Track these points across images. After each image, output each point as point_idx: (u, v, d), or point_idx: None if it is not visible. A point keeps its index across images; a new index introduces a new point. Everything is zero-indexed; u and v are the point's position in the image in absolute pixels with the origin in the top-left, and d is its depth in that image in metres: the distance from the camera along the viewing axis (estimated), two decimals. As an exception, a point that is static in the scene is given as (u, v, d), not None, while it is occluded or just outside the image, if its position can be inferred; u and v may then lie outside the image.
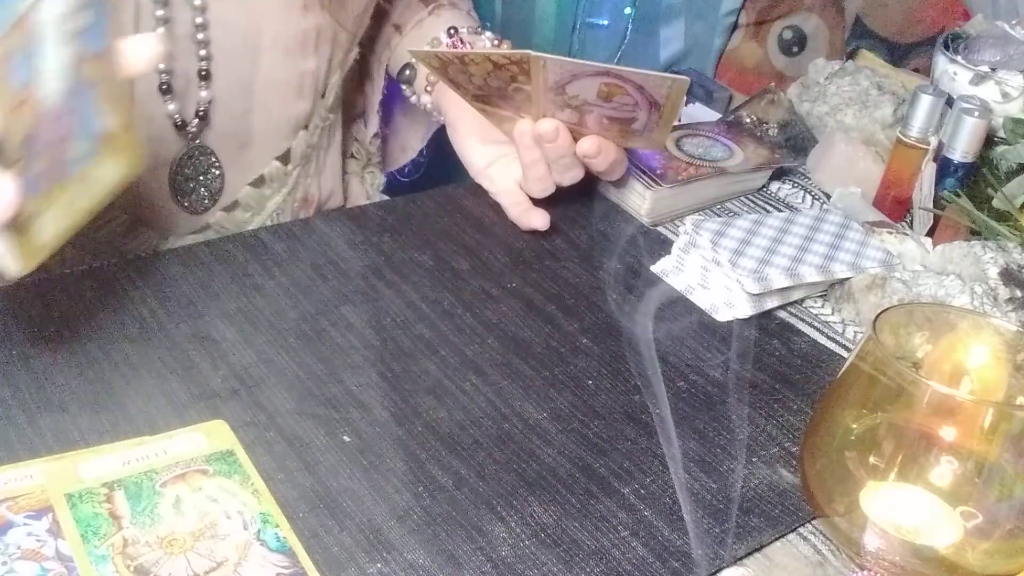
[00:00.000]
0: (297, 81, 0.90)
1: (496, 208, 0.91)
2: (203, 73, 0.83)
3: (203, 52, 0.82)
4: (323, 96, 0.94)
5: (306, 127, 0.93)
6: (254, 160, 0.91)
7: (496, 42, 0.96)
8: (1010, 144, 0.95)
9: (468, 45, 0.94)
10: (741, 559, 0.60)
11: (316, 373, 0.70)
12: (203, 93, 0.84)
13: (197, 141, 0.86)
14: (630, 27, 1.50)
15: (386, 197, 1.13)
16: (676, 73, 1.56)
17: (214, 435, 0.62)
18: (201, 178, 0.87)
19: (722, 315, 0.81)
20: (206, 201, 0.89)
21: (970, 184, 0.93)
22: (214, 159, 0.88)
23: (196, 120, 0.84)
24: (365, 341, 0.73)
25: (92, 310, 0.72)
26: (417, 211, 0.91)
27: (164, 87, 0.81)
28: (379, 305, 0.77)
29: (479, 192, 0.93)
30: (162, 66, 0.81)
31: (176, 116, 0.83)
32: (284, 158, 0.92)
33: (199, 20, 0.81)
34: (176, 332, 0.72)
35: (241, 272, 0.79)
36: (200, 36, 0.81)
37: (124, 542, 0.54)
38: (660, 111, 0.81)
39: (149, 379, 0.67)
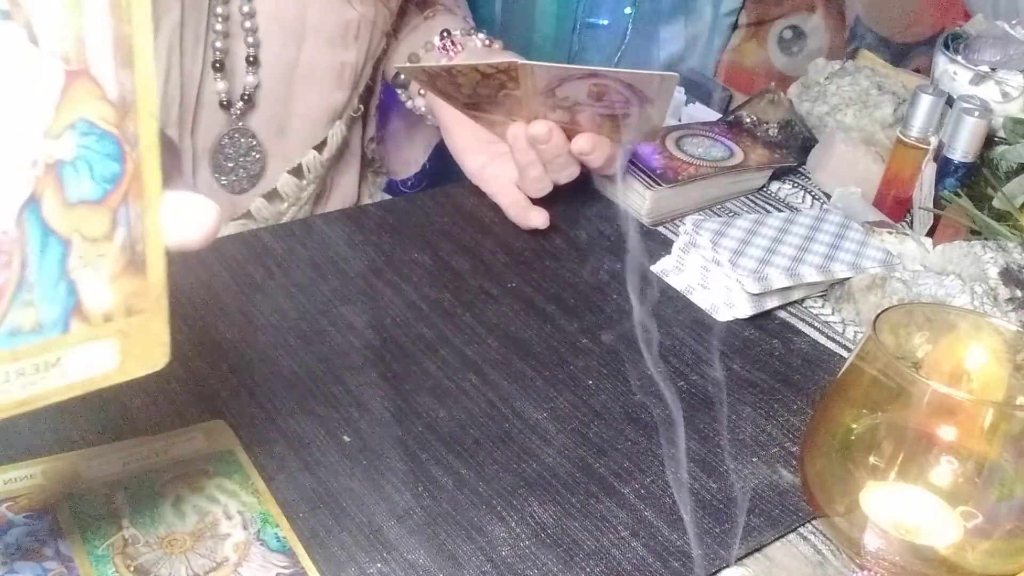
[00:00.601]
0: (337, 71, 0.92)
1: (495, 208, 0.91)
2: (251, 59, 0.86)
3: (251, 39, 0.85)
4: (356, 87, 0.95)
5: (341, 117, 0.95)
6: (291, 148, 0.93)
7: (488, 42, 0.96)
8: (1010, 144, 0.95)
9: (460, 46, 0.95)
10: (741, 559, 0.60)
11: (316, 373, 0.70)
12: (250, 78, 0.87)
13: (240, 124, 0.89)
14: (630, 27, 1.50)
15: (387, 196, 1.13)
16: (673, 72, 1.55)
17: (214, 435, 0.62)
18: (241, 159, 0.90)
19: (722, 315, 0.81)
20: (244, 183, 0.92)
21: (970, 184, 0.93)
22: (255, 142, 0.91)
23: (241, 103, 0.88)
24: (365, 341, 0.73)
25: (92, 310, 0.72)
26: (417, 211, 0.91)
27: (217, 65, 0.84)
28: (379, 305, 0.77)
29: (479, 192, 0.93)
30: (219, 44, 0.84)
31: (223, 95, 0.86)
32: (320, 148, 0.94)
33: (246, 8, 0.83)
34: (176, 332, 0.71)
35: (241, 272, 0.79)
36: (248, 24, 0.85)
37: (124, 542, 0.54)
38: (653, 105, 0.81)
39: (149, 379, 0.67)
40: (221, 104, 0.86)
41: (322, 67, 0.91)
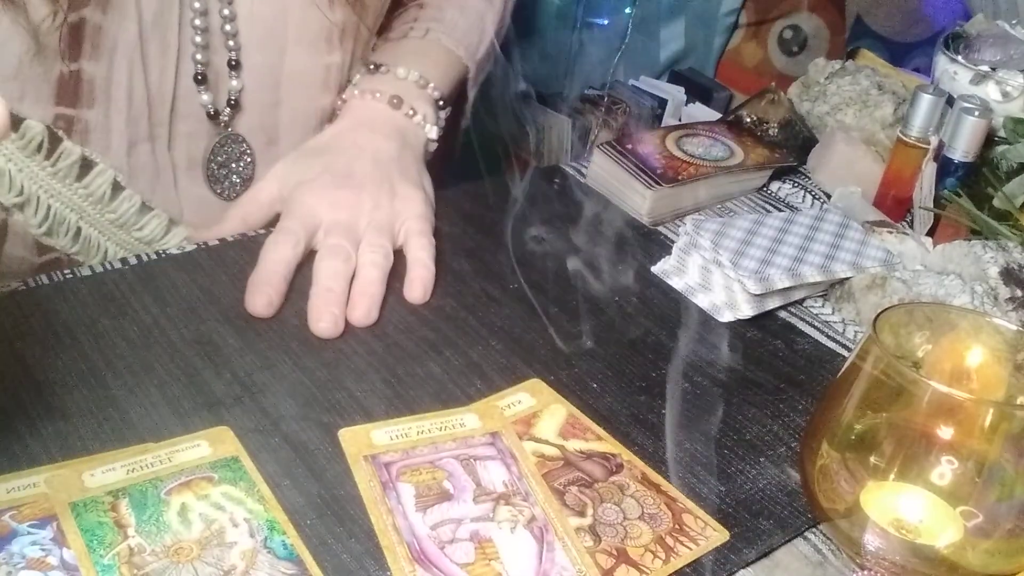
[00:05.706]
0: (323, 74, 0.92)
1: (495, 209, 0.90)
2: (233, 63, 0.86)
3: (231, 43, 0.86)
4: (343, 88, 0.95)
5: (331, 120, 0.94)
6: (283, 155, 0.92)
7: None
8: (1010, 144, 0.95)
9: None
10: (751, 563, 0.60)
11: (320, 378, 0.70)
12: (234, 83, 0.87)
13: (229, 129, 0.89)
14: (630, 27, 1.51)
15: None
16: (677, 73, 1.56)
17: (218, 442, 0.62)
18: (233, 165, 0.91)
19: (724, 316, 0.81)
20: (238, 188, 0.92)
21: (970, 184, 0.93)
22: (245, 146, 0.91)
23: (228, 109, 0.88)
24: (368, 346, 0.73)
25: (93, 317, 0.73)
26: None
27: (199, 77, 0.84)
28: (381, 309, 0.78)
29: (478, 194, 0.93)
30: (199, 57, 0.84)
31: (209, 106, 0.86)
32: None
33: (226, 12, 0.84)
34: (178, 338, 0.72)
35: (242, 276, 0.79)
36: (228, 28, 0.85)
37: (130, 551, 0.54)
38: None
39: (152, 386, 0.67)
40: (209, 115, 0.87)
41: (307, 72, 0.91)
